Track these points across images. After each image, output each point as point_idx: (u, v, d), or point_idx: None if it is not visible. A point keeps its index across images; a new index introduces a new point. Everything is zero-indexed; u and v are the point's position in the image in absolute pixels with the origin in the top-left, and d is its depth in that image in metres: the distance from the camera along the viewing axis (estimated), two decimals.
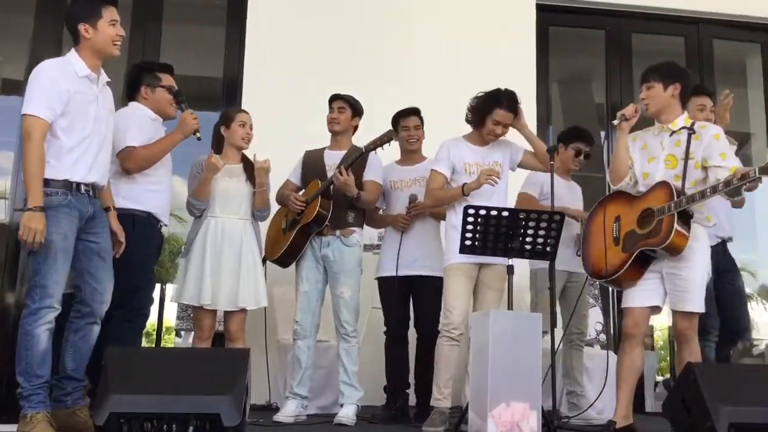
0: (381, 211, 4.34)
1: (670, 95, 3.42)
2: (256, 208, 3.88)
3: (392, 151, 4.16)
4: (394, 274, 4.06)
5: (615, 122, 3.45)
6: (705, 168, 3.31)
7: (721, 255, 4.19)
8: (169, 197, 3.73)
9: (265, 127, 4.25)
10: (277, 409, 4.04)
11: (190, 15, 6.28)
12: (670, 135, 3.42)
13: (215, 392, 2.56)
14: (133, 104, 3.71)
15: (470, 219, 3.37)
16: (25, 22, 5.45)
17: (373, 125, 4.17)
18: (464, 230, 3.39)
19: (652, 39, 6.23)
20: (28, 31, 5.42)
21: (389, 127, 4.22)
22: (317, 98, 4.26)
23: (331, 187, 3.94)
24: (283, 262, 4.06)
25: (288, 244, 3.96)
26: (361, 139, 4.11)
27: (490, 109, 3.73)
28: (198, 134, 3.61)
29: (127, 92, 3.80)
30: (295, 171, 4.20)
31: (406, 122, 4.29)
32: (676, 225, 3.17)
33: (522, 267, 4.28)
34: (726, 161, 3.26)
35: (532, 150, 3.87)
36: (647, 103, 3.44)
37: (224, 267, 3.74)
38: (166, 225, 3.73)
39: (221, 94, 5.60)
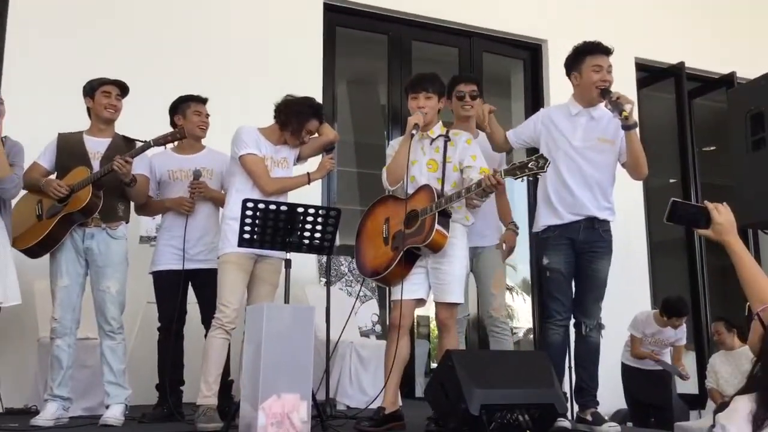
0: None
1: (438, 107, 3.69)
2: None
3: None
4: (178, 268, 3.94)
5: (413, 132, 3.54)
6: (461, 170, 3.60)
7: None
8: None
9: (23, 109, 3.94)
10: (36, 412, 3.76)
11: None
12: (431, 143, 3.68)
13: None
14: None
15: (249, 212, 3.36)
16: None
17: (138, 115, 4.06)
18: (243, 223, 3.37)
19: (431, 47, 6.63)
20: None
21: (158, 117, 4.13)
22: (78, 79, 3.99)
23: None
24: (35, 252, 3.77)
25: (46, 234, 3.69)
26: (124, 126, 3.98)
27: (306, 120, 3.77)
28: None
29: None
30: (46, 155, 3.91)
31: (199, 108, 4.17)
32: (436, 224, 3.42)
33: (301, 260, 4.39)
34: (476, 162, 3.58)
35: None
36: (426, 112, 3.61)
37: None
38: None
39: None
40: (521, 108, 6.86)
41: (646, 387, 5.85)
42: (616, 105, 3.50)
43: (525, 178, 3.37)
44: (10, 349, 3.58)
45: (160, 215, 4.23)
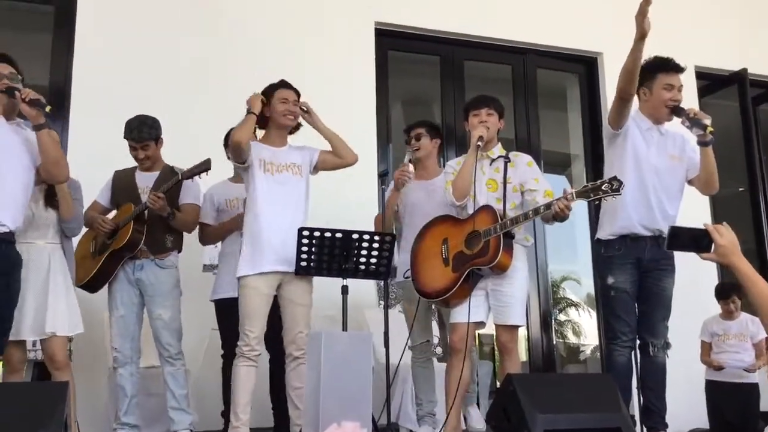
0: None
1: (498, 128, 3.70)
2: (61, 219, 3.59)
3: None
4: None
5: (479, 143, 3.55)
6: (522, 192, 3.57)
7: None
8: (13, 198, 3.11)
9: (94, 136, 4.06)
10: None
11: (11, 21, 5.88)
12: (490, 163, 3.66)
13: (29, 430, 2.40)
14: None
15: (305, 240, 3.40)
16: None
17: (198, 135, 4.13)
18: (299, 251, 3.41)
19: (483, 66, 6.59)
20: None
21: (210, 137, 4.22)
22: (146, 108, 4.09)
23: (146, 211, 3.83)
24: (92, 286, 3.93)
25: (97, 269, 3.84)
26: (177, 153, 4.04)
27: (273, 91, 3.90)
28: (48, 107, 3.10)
29: None
30: (104, 192, 4.07)
31: None
32: (502, 245, 3.38)
33: (361, 284, 4.38)
34: (539, 185, 3.55)
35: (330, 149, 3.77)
36: (488, 127, 3.62)
37: (27, 294, 3.42)
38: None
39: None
40: (578, 120, 6.75)
41: (730, 402, 5.53)
42: (696, 121, 3.39)
43: (598, 201, 3.27)
44: (84, 378, 3.70)
45: (220, 243, 4.31)
